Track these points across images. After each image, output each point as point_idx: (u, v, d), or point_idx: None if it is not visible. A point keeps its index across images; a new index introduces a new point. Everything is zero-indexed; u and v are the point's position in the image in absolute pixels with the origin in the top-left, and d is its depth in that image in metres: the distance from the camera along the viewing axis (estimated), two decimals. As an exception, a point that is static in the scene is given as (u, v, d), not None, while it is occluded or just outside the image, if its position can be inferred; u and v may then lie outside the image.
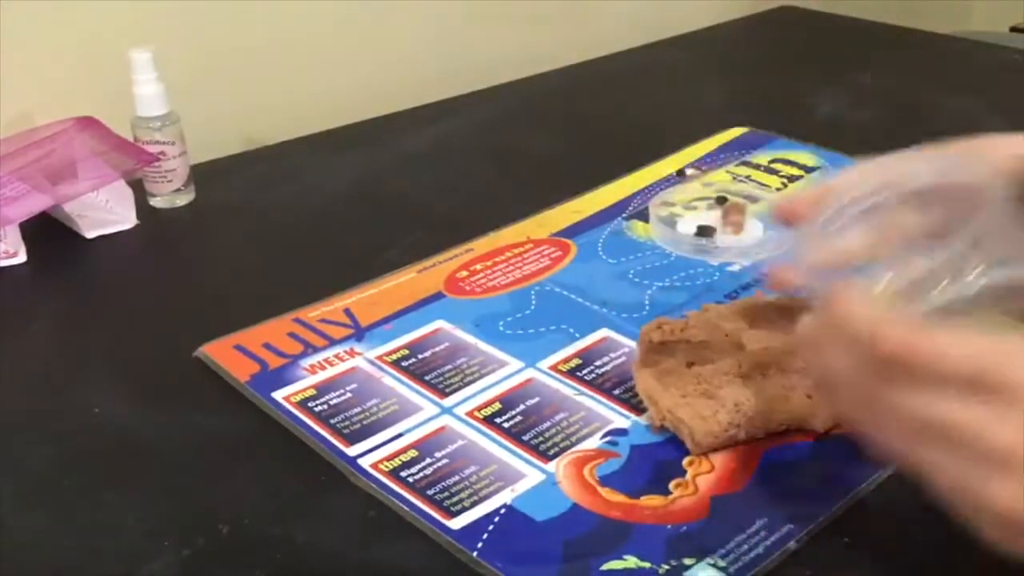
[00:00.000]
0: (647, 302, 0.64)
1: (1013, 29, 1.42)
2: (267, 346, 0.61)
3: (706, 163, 0.83)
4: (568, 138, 0.92)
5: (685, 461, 0.50)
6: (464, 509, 0.48)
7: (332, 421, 0.54)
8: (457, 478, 0.50)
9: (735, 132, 0.88)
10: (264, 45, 0.94)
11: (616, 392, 0.55)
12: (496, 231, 0.73)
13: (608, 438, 0.52)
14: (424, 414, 0.54)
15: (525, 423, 0.53)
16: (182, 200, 0.80)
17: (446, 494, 0.49)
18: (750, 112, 0.90)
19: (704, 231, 0.70)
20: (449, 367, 0.58)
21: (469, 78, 1.04)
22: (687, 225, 0.71)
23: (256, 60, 0.94)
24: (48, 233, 0.74)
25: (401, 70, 1.03)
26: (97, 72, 0.83)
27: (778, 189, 0.77)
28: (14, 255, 0.72)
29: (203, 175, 0.82)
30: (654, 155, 0.84)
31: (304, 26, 0.96)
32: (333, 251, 0.74)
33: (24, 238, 0.72)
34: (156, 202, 0.80)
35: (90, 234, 0.75)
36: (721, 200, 0.73)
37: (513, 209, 0.76)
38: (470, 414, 0.54)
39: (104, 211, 0.75)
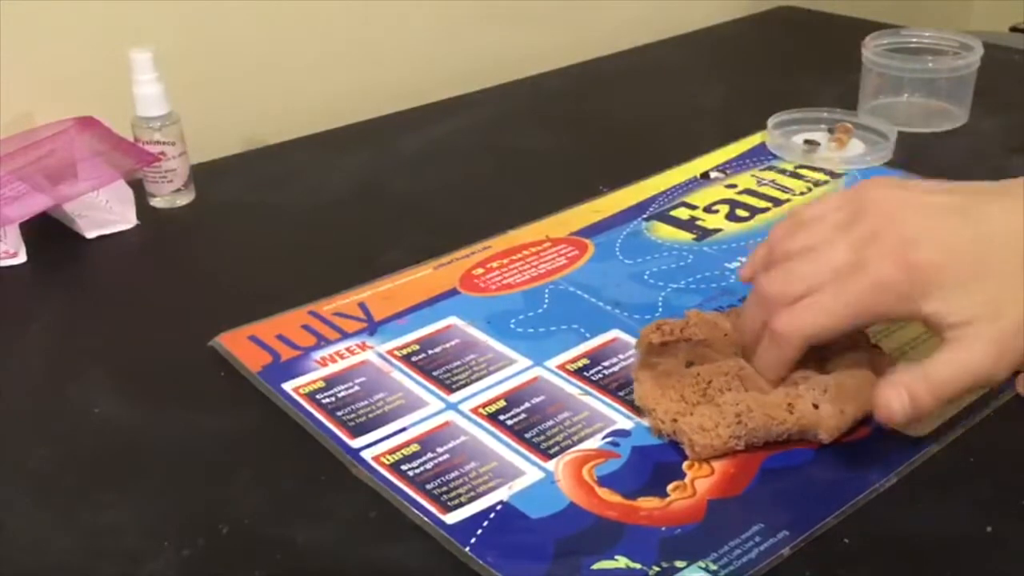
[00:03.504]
0: (660, 304, 0.64)
1: (1013, 29, 1.42)
2: (280, 337, 0.61)
3: (732, 167, 0.82)
4: (569, 138, 0.92)
5: (685, 464, 0.50)
6: (461, 504, 0.48)
7: (338, 413, 0.54)
8: (456, 473, 0.50)
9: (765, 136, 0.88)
10: (264, 45, 0.94)
11: (621, 393, 0.55)
12: (515, 229, 0.73)
13: (610, 438, 0.52)
14: (429, 409, 0.55)
15: (528, 421, 0.53)
16: (182, 200, 0.80)
17: (444, 489, 0.49)
18: (751, 112, 0.90)
19: (810, 143, 0.84)
20: (458, 363, 0.58)
21: (469, 78, 1.04)
22: (798, 139, 0.85)
23: (256, 60, 0.94)
24: (48, 233, 0.74)
25: (401, 70, 1.03)
26: (97, 72, 0.83)
27: (802, 193, 0.77)
28: (14, 255, 0.72)
29: (203, 175, 0.82)
30: (657, 156, 0.84)
31: (304, 26, 0.96)
32: (334, 251, 0.73)
33: (24, 238, 0.72)
34: (156, 202, 0.80)
35: (90, 234, 0.74)
36: (832, 130, 0.86)
37: (515, 209, 0.76)
38: (475, 410, 0.54)
39: (104, 211, 0.75)
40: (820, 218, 0.52)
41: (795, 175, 0.80)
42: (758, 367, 0.52)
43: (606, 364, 0.58)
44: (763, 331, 0.52)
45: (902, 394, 0.48)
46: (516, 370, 0.58)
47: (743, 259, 0.68)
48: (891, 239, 0.49)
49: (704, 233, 0.72)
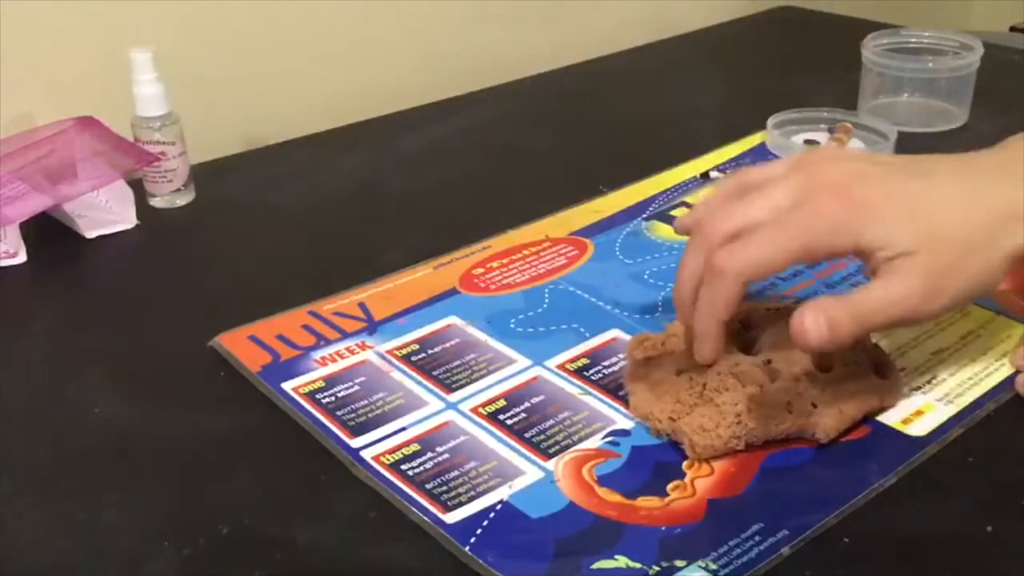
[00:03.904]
0: (660, 303, 0.64)
1: (1013, 29, 1.42)
2: (280, 337, 0.61)
3: (732, 167, 0.82)
4: (569, 138, 0.92)
5: (685, 464, 0.50)
6: (461, 504, 0.48)
7: (338, 413, 0.54)
8: (456, 473, 0.50)
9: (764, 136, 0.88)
10: (264, 45, 0.94)
11: (621, 393, 0.55)
12: (515, 229, 0.73)
13: (610, 438, 0.52)
14: (429, 409, 0.55)
15: (528, 420, 0.53)
16: (182, 200, 0.80)
17: (444, 488, 0.49)
18: (751, 112, 0.90)
19: (810, 143, 0.85)
20: (457, 363, 0.58)
21: (469, 78, 1.04)
22: (799, 139, 0.85)
23: (256, 60, 0.94)
24: (48, 233, 0.74)
25: (401, 70, 1.03)
26: (97, 72, 0.83)
27: None
28: (14, 255, 0.72)
29: (203, 175, 0.82)
30: (657, 156, 0.84)
31: (304, 26, 0.96)
32: (334, 251, 0.73)
33: (24, 238, 0.72)
34: (156, 202, 0.80)
35: (90, 234, 0.74)
36: (832, 130, 0.86)
37: (515, 209, 0.76)
38: (474, 410, 0.54)
39: (104, 211, 0.75)
40: (764, 175, 0.53)
41: None
42: (698, 312, 0.50)
43: (606, 364, 0.58)
44: (701, 276, 0.51)
45: (819, 318, 0.47)
46: (516, 370, 0.58)
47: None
48: (833, 178, 0.49)
49: (704, 233, 0.72)
